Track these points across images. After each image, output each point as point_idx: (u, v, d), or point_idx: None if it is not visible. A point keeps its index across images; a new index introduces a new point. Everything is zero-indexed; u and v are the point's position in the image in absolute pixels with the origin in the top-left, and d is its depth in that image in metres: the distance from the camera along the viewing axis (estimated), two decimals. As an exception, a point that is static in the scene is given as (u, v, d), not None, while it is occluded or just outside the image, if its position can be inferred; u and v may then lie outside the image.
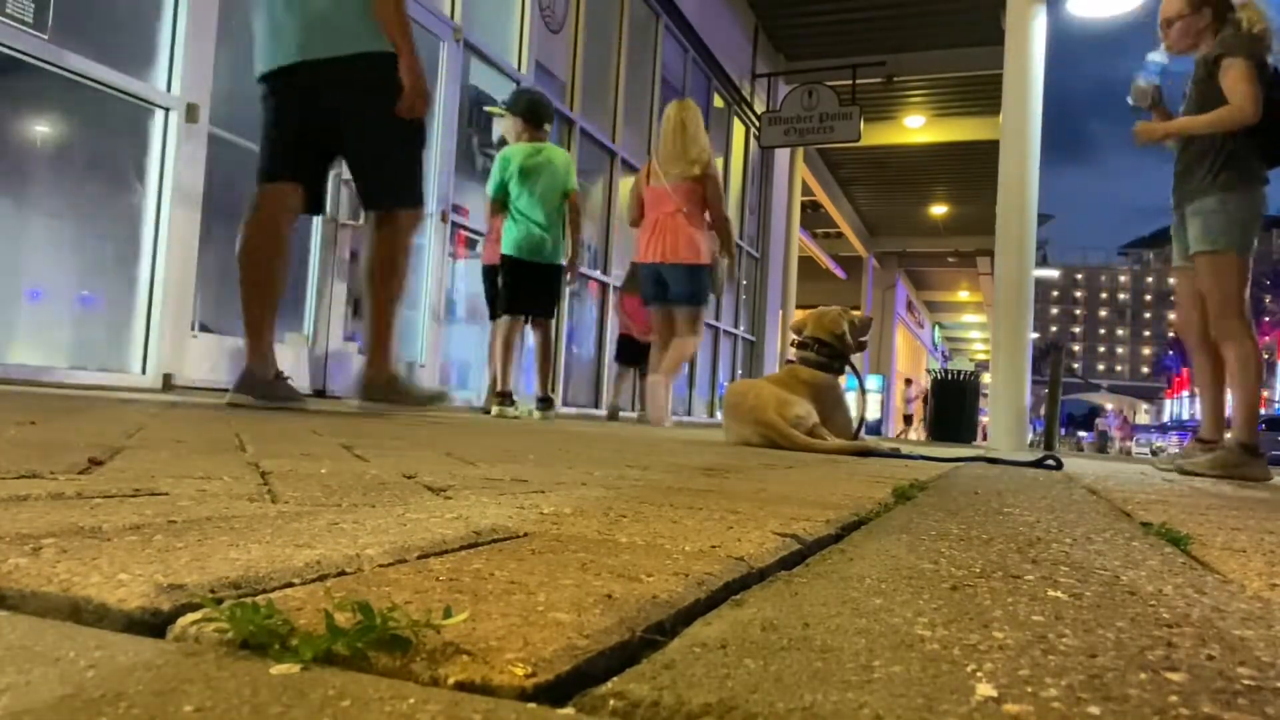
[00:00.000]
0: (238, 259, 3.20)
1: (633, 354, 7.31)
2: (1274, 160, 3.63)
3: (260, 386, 3.19)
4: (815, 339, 3.57)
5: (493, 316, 5.26)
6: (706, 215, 5.31)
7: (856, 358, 3.75)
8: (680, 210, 5.19)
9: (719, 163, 11.92)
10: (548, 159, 5.06)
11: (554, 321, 5.41)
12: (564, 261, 5.24)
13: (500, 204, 5.05)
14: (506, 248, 5.04)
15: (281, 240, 3.20)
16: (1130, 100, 3.92)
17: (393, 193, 3.26)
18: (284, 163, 3.20)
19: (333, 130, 3.20)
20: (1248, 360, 3.58)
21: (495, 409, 5.02)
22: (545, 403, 5.28)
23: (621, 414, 7.42)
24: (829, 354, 3.55)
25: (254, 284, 3.19)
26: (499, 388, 5.04)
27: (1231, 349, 3.62)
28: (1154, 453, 29.36)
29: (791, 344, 3.71)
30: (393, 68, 3.12)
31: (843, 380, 3.71)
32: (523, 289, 5.00)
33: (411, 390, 3.48)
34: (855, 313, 3.77)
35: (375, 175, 3.26)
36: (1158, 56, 3.89)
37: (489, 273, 5.30)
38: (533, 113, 5.11)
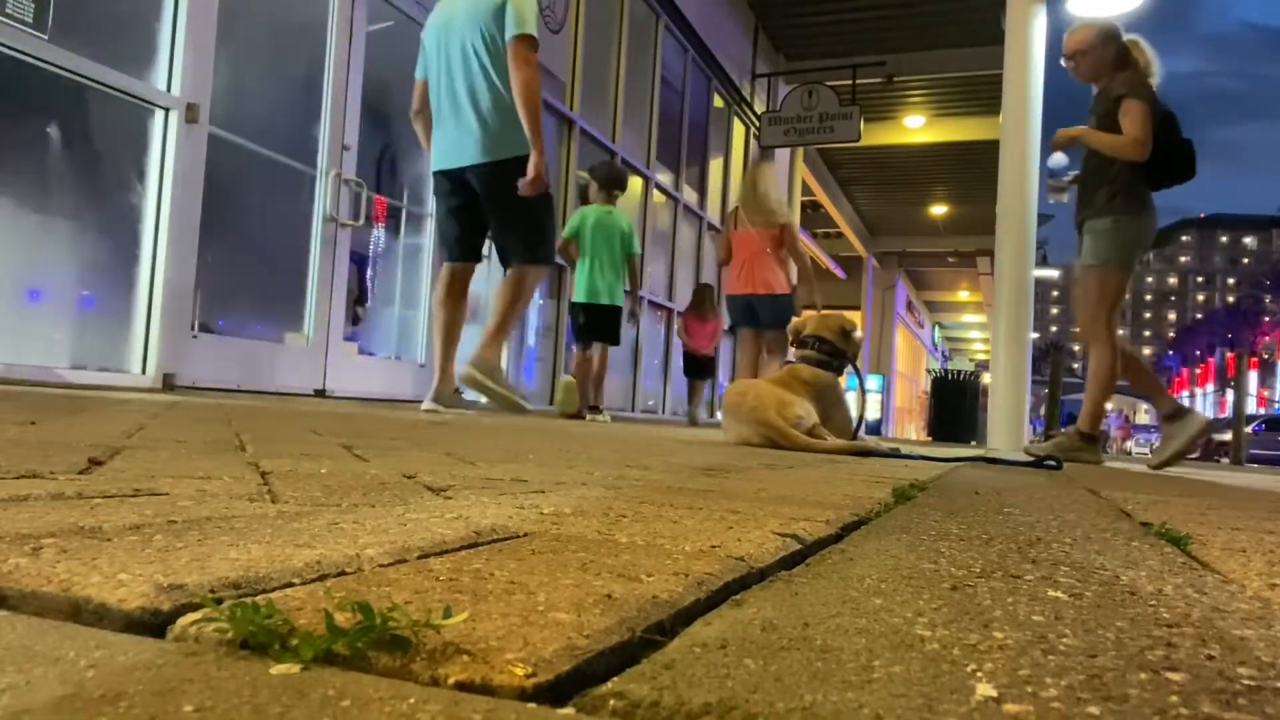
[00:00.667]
0: (434, 314, 4.45)
1: (696, 367, 8.61)
2: (1156, 186, 4.14)
3: (445, 398, 4.29)
4: (817, 337, 3.58)
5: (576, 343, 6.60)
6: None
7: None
8: (765, 250, 6.20)
9: (719, 163, 11.98)
10: (614, 222, 6.29)
11: (611, 347, 6.62)
12: (622, 303, 6.47)
13: (570, 244, 6.28)
14: (578, 295, 6.33)
15: (462, 303, 4.41)
16: (1050, 197, 4.50)
17: (522, 252, 4.25)
18: (463, 249, 4.35)
19: (487, 211, 4.23)
20: (1104, 364, 4.15)
21: (588, 416, 6.32)
22: (595, 410, 6.51)
23: (701, 421, 8.52)
24: (829, 352, 3.56)
25: (444, 332, 4.33)
26: (589, 402, 6.43)
27: (1095, 351, 4.18)
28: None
29: (791, 344, 3.73)
30: (526, 163, 4.08)
31: (843, 380, 3.73)
32: (591, 326, 6.33)
33: (504, 384, 4.30)
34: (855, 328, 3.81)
35: (512, 241, 4.26)
36: (1059, 159, 4.46)
37: (574, 308, 6.56)
38: (610, 181, 6.36)
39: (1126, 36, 4.23)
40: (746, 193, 6.36)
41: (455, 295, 4.34)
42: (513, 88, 4.03)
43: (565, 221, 6.60)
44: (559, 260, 6.16)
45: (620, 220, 6.34)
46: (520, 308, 4.42)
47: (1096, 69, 4.20)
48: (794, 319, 3.78)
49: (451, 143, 4.18)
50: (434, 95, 4.26)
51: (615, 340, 6.48)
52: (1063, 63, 4.32)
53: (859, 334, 3.77)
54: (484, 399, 4.34)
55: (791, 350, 3.84)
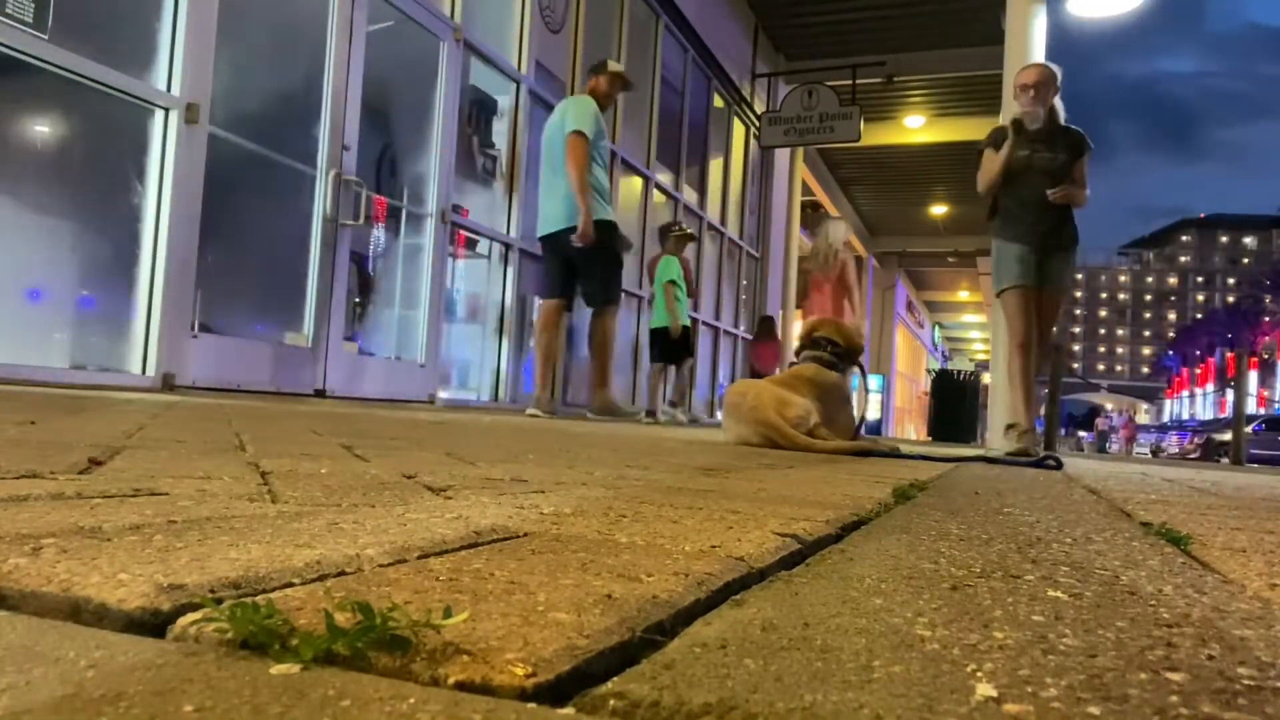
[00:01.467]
0: (536, 343, 5.77)
1: None
2: None
3: (544, 405, 5.41)
4: (827, 339, 3.63)
5: (654, 359, 7.95)
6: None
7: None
8: (833, 290, 7.57)
9: (720, 163, 12.00)
10: (671, 267, 7.82)
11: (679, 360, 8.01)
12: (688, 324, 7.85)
13: (671, 286, 7.62)
14: (655, 323, 7.75)
15: (558, 332, 5.70)
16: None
17: (599, 296, 5.54)
18: (558, 289, 5.60)
19: (573, 263, 5.48)
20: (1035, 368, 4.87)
21: (663, 417, 7.37)
22: (674, 405, 8.02)
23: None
24: (837, 354, 3.61)
25: (545, 355, 5.60)
26: (649, 405, 7.59)
27: (1035, 358, 4.81)
28: (1154, 453, 29.35)
29: (801, 343, 3.77)
30: (596, 227, 5.32)
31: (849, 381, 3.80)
32: (669, 347, 7.69)
33: (620, 407, 5.77)
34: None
35: (589, 287, 5.55)
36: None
37: (654, 332, 7.86)
38: (686, 241, 8.09)
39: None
40: (819, 246, 7.76)
41: (554, 326, 5.60)
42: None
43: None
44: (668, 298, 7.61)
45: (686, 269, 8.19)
46: (610, 345, 5.65)
47: (1042, 101, 4.68)
48: (808, 321, 3.93)
49: (547, 213, 5.52)
50: (540, 178, 5.64)
51: (685, 357, 8.05)
52: (1023, 92, 4.71)
53: (862, 341, 3.90)
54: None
55: (794, 352, 3.91)
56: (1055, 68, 4.78)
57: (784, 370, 6.74)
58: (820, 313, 7.35)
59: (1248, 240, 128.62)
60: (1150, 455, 26.87)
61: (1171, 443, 29.18)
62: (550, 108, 7.62)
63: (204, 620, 0.45)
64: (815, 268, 7.69)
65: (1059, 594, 0.69)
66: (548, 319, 5.56)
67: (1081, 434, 43.98)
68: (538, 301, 6.10)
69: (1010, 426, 4.73)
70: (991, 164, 4.70)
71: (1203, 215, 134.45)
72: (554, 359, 5.70)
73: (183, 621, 0.45)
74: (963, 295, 31.86)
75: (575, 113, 5.38)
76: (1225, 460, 16.23)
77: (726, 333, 12.28)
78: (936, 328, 38.20)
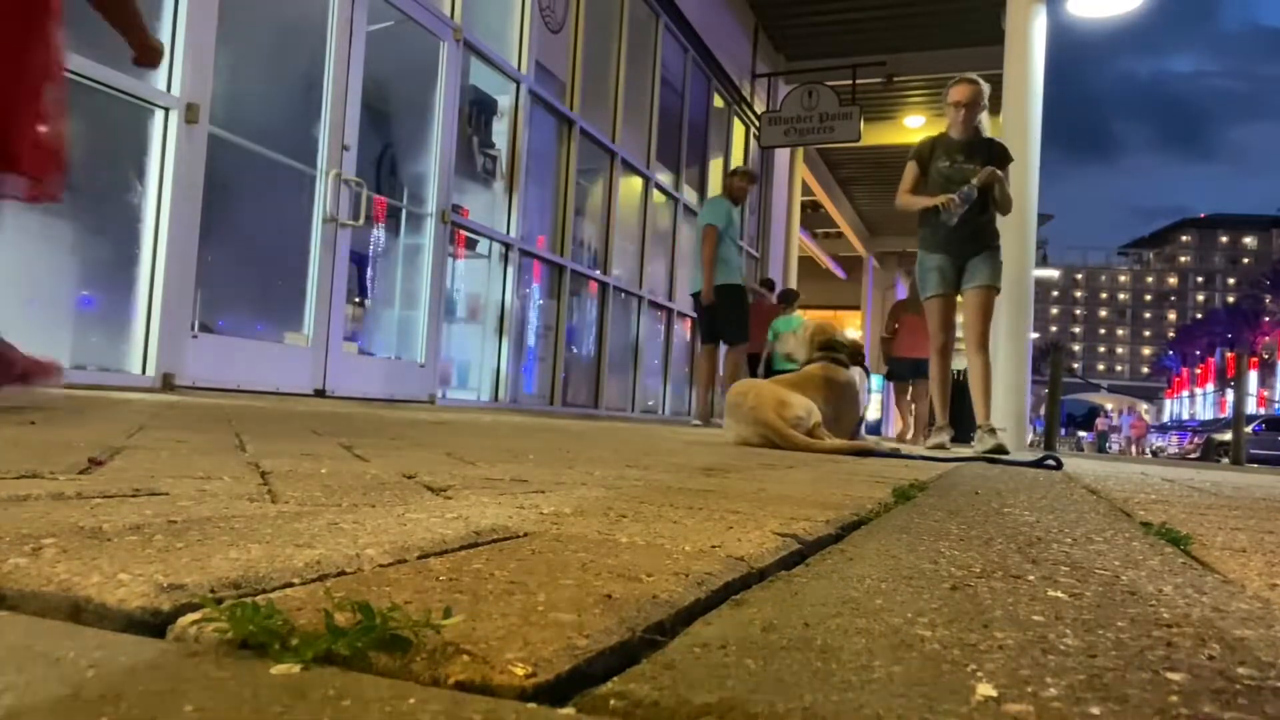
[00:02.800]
0: (697, 368, 7.78)
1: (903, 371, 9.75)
2: None
3: (703, 418, 7.27)
4: (841, 343, 3.85)
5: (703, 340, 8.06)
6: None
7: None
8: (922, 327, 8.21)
9: (720, 163, 12.02)
10: (792, 322, 8.15)
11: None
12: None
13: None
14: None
15: (711, 365, 7.40)
16: (954, 208, 4.95)
17: (730, 337, 7.10)
18: (706, 334, 7.22)
19: (714, 311, 6.99)
20: (988, 367, 5.09)
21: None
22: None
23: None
24: (850, 356, 3.80)
25: (704, 381, 7.41)
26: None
27: (984, 357, 5.04)
28: (1154, 454, 29.32)
29: (817, 345, 3.84)
30: (724, 290, 6.96)
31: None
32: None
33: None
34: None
35: (727, 331, 7.07)
36: (967, 190, 4.97)
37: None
38: (790, 299, 9.52)
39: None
40: (910, 293, 8.79)
41: (713, 362, 7.34)
42: None
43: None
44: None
45: (794, 322, 8.41)
46: (736, 373, 6.85)
47: (973, 120, 5.04)
48: (814, 326, 4.02)
49: (691, 275, 7.26)
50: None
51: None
52: (954, 110, 5.03)
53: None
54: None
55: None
56: (984, 85, 5.12)
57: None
58: (909, 350, 8.84)
59: (1248, 240, 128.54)
60: (1150, 455, 26.84)
61: (1171, 443, 29.15)
62: (550, 108, 7.65)
63: (204, 620, 0.45)
64: (914, 311, 8.32)
65: (1059, 594, 0.69)
66: (704, 356, 7.37)
67: (1081, 434, 43.93)
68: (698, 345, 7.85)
69: (978, 428, 4.92)
70: (907, 191, 5.07)
71: (1203, 215, 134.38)
72: (708, 385, 7.43)
73: (183, 621, 0.45)
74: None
75: (710, 209, 7.09)
76: (1225, 460, 16.22)
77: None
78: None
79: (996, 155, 4.99)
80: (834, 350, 3.78)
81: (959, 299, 5.19)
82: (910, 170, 5.09)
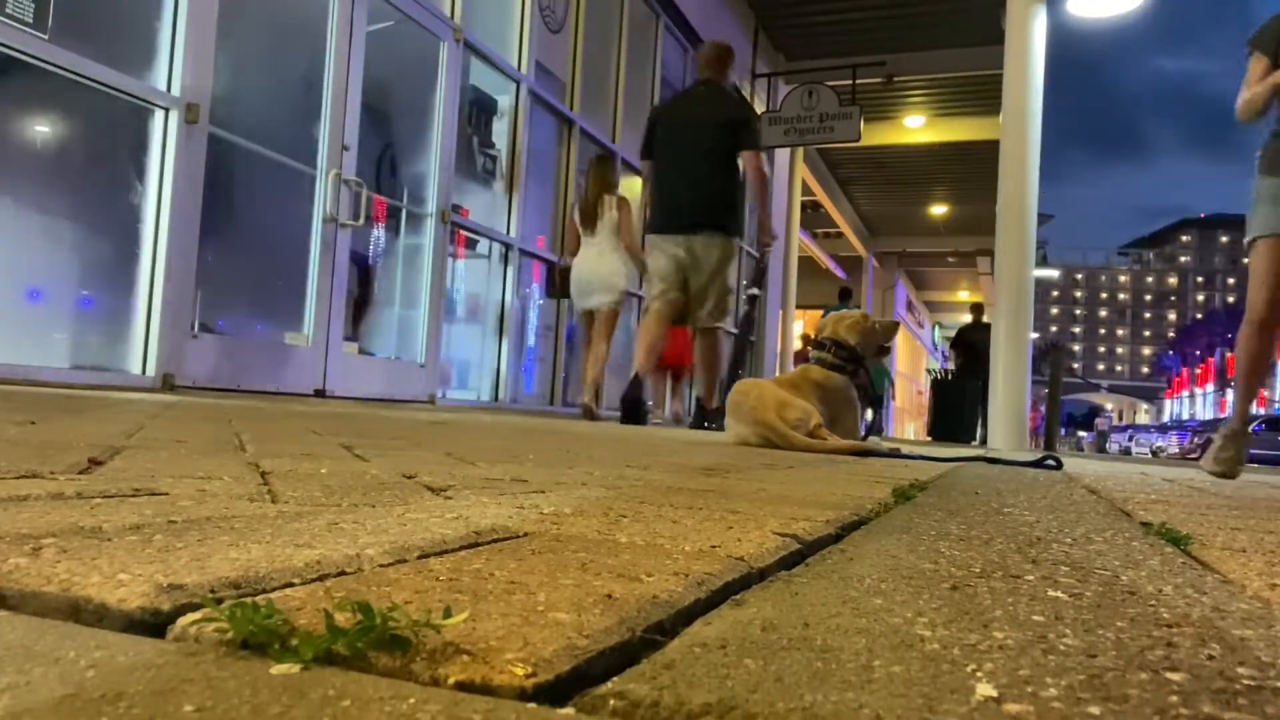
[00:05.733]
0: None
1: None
2: None
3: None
4: (834, 340, 3.58)
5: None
6: None
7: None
8: None
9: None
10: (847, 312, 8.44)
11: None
12: None
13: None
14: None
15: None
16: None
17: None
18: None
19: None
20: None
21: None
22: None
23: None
24: (845, 356, 3.55)
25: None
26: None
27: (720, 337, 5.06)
28: (1154, 453, 29.33)
29: (807, 343, 3.75)
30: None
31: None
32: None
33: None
34: (881, 319, 3.78)
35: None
36: None
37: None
38: (844, 295, 9.71)
39: None
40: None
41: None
42: None
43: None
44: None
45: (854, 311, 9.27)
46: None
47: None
48: (822, 320, 3.74)
49: None
50: None
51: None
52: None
53: (883, 323, 3.71)
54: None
55: (808, 349, 3.85)
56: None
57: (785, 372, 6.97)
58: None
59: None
60: (1150, 455, 26.83)
61: (1171, 442, 29.14)
62: (550, 108, 7.65)
63: (204, 620, 0.45)
64: None
65: (1059, 594, 0.69)
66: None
67: (1081, 434, 43.91)
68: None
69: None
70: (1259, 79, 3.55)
71: (1203, 215, 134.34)
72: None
73: (183, 621, 0.45)
74: (963, 295, 31.83)
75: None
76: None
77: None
78: (936, 328, 38.19)
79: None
80: (824, 349, 3.57)
81: None
82: (1259, 64, 3.55)
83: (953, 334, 14.72)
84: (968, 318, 13.74)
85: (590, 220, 5.89)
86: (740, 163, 4.95)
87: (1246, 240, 3.66)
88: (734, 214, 4.94)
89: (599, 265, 5.89)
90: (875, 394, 7.94)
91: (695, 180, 4.80)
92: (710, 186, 4.79)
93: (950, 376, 12.95)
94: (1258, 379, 3.71)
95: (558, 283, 6.30)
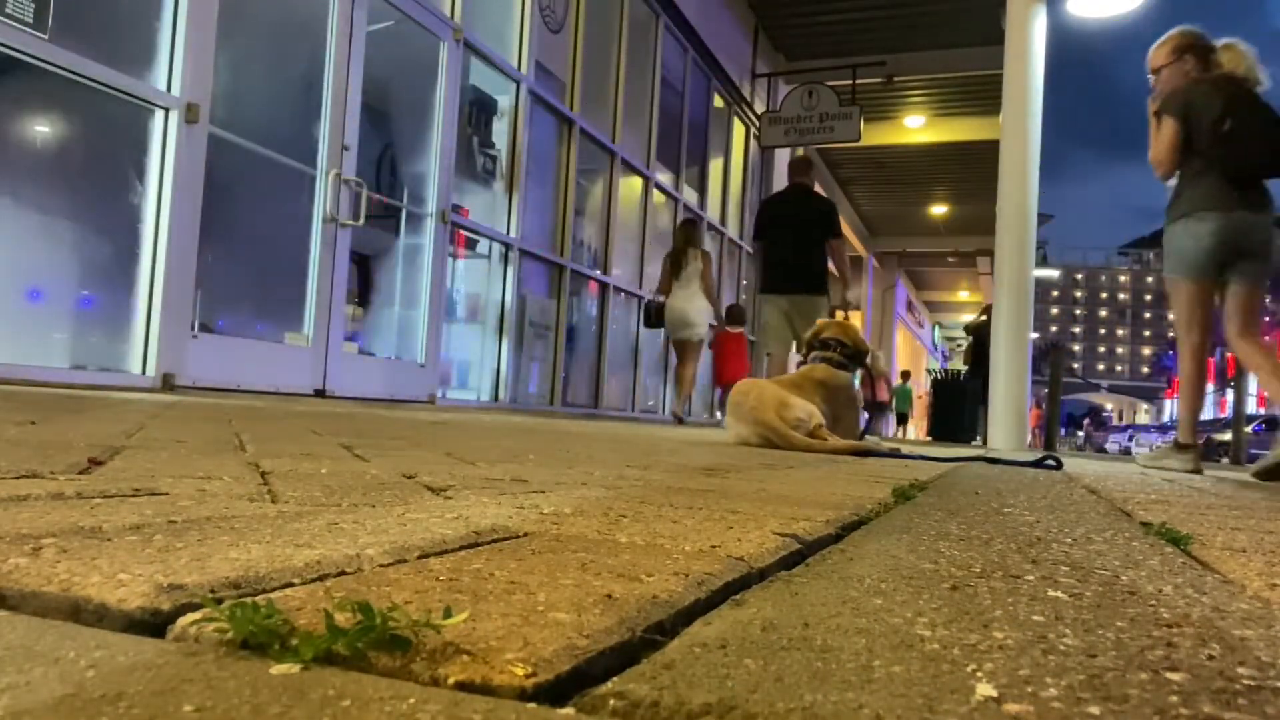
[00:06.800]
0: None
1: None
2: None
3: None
4: (837, 340, 3.63)
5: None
6: None
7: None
8: None
9: (720, 163, 12.02)
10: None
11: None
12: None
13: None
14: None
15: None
16: None
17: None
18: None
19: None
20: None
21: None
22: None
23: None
24: (848, 354, 3.62)
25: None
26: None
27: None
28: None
29: (809, 343, 3.77)
30: None
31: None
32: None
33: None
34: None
35: None
36: None
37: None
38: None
39: None
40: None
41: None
42: None
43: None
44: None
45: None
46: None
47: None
48: (821, 323, 3.87)
49: None
50: None
51: None
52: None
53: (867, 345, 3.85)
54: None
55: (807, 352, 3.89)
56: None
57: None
58: None
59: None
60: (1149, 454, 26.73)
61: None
62: (550, 108, 7.65)
63: (204, 620, 0.45)
64: None
65: (1059, 594, 0.69)
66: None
67: (1081, 433, 43.89)
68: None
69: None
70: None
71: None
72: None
73: (183, 621, 0.45)
74: (963, 295, 31.85)
75: None
76: (1225, 460, 16.20)
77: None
78: (936, 328, 38.18)
79: None
80: (828, 349, 3.63)
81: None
82: (1171, 127, 3.86)
83: (953, 333, 14.82)
84: (968, 317, 13.75)
85: (678, 268, 7.38)
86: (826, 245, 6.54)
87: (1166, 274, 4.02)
88: (821, 280, 6.47)
89: (689, 307, 7.38)
90: (901, 411, 8.16)
91: (795, 256, 6.42)
92: (806, 261, 6.41)
93: (957, 376, 12.97)
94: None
95: (653, 316, 7.80)
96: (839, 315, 6.47)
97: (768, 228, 6.59)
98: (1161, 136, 3.84)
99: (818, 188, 8.05)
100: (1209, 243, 3.74)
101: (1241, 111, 3.71)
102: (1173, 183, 3.92)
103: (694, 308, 7.39)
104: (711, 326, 8.12)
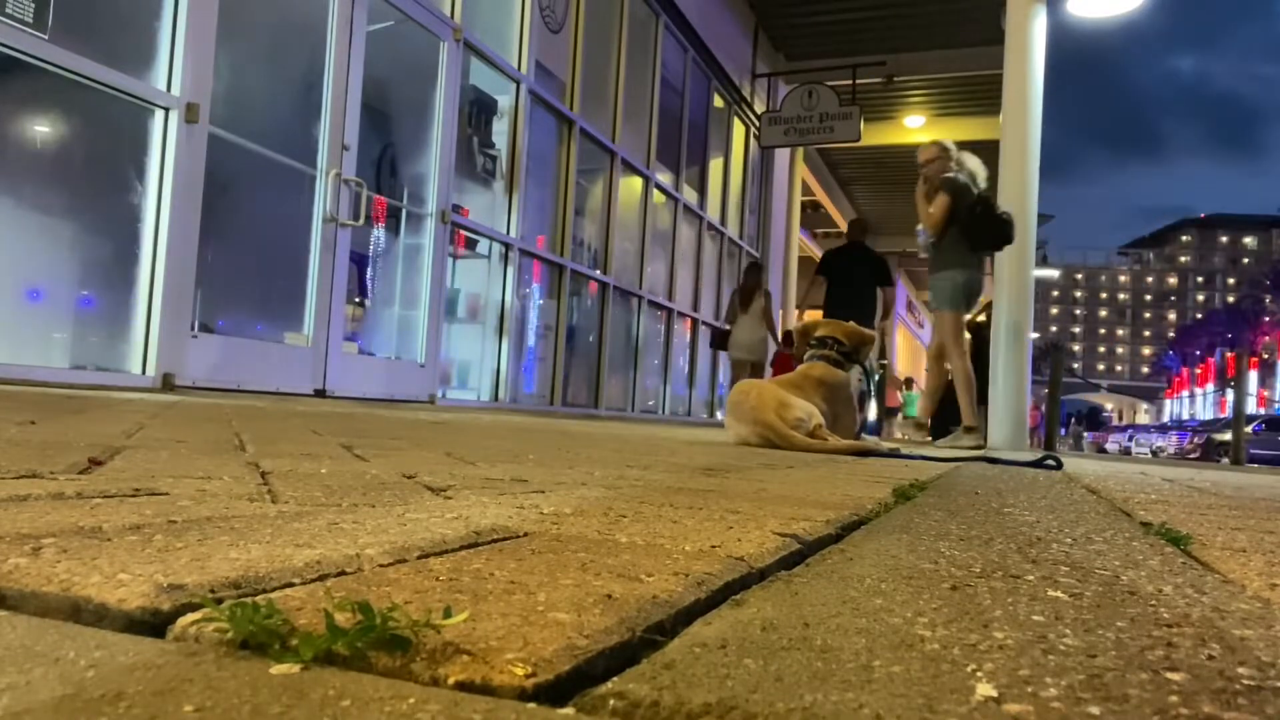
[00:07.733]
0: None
1: None
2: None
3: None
4: (833, 338, 3.62)
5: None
6: None
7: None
8: None
9: (720, 163, 12.02)
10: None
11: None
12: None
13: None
14: None
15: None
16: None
17: None
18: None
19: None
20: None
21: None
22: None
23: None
24: (845, 353, 3.61)
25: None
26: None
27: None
28: (1154, 453, 29.30)
29: (788, 342, 3.77)
30: None
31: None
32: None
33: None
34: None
35: None
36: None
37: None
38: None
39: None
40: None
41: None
42: None
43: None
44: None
45: None
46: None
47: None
48: (806, 321, 3.89)
49: None
50: None
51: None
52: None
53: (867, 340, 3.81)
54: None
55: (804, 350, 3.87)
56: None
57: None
58: None
59: (1248, 240, 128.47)
60: (1150, 455, 26.82)
61: (1171, 442, 29.11)
62: (550, 108, 7.66)
63: (204, 620, 0.45)
64: None
65: (1059, 594, 0.69)
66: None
67: (1084, 433, 43.87)
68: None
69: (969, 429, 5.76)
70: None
71: (1203, 215, 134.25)
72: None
73: (183, 621, 0.45)
74: (963, 295, 31.78)
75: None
76: (1225, 460, 16.21)
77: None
78: (936, 328, 38.14)
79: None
80: (826, 347, 3.60)
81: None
82: (943, 201, 5.88)
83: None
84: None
85: (746, 303, 9.09)
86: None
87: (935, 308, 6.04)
88: (873, 319, 7.93)
89: (752, 336, 9.08)
90: (909, 415, 8.39)
91: (854, 298, 7.84)
92: (860, 300, 7.89)
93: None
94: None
95: (718, 340, 9.77)
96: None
97: (832, 270, 8.21)
98: (937, 207, 5.79)
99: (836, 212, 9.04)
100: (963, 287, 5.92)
101: (981, 204, 5.78)
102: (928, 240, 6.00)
103: (755, 338, 9.09)
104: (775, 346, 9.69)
